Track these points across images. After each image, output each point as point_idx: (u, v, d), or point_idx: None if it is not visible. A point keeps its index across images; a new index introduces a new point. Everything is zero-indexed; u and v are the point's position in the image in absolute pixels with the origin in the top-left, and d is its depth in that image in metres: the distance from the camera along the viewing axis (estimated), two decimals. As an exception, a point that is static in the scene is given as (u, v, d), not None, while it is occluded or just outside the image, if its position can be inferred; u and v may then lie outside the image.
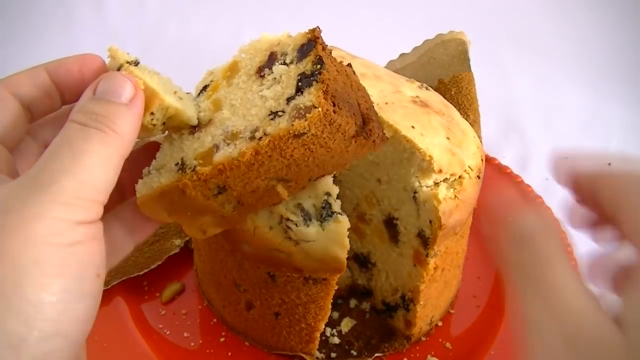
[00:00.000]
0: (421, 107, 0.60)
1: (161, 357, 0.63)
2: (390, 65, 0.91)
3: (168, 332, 0.67)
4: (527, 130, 1.00)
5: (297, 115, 0.40)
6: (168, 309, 0.69)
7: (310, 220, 0.50)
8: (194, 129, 0.45)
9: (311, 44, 0.43)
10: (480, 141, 0.71)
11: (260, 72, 0.45)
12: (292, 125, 0.39)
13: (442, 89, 0.86)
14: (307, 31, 0.44)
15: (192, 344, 0.66)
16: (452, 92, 0.86)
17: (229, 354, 0.66)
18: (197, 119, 0.46)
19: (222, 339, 0.67)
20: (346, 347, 0.67)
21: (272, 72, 0.44)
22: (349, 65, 0.47)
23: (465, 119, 0.65)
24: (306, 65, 0.42)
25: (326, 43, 0.45)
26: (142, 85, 0.40)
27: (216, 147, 0.42)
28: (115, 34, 1.14)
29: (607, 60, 1.12)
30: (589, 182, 0.41)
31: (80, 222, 0.34)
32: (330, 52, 0.44)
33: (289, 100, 0.41)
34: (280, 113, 0.41)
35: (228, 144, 0.42)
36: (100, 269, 0.35)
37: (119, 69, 0.42)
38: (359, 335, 0.68)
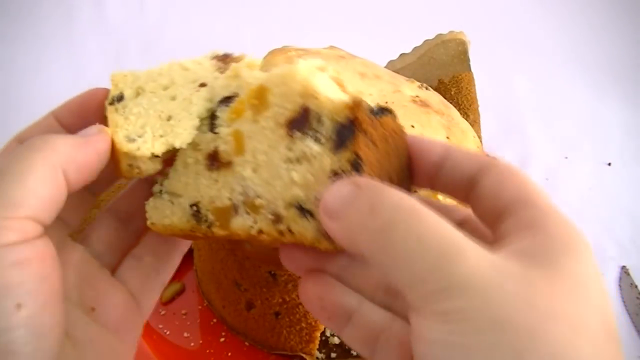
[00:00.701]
0: (421, 106, 0.60)
1: (161, 357, 0.63)
2: (390, 65, 0.91)
3: (168, 332, 0.67)
4: (527, 130, 1.00)
5: (325, 234, 0.35)
6: (168, 309, 0.70)
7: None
8: (212, 161, 0.40)
9: (350, 130, 0.36)
10: (480, 141, 0.71)
11: (290, 128, 0.38)
12: (319, 240, 0.36)
13: (442, 89, 0.86)
14: (347, 102, 0.37)
15: (192, 344, 0.66)
16: (452, 92, 0.86)
17: (229, 354, 0.66)
18: (216, 149, 0.41)
19: (222, 339, 0.67)
20: (346, 347, 0.67)
21: (303, 143, 0.38)
22: (393, 115, 0.40)
23: (465, 119, 0.65)
24: (341, 162, 0.36)
25: (370, 111, 0.37)
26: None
27: (235, 209, 0.39)
28: (115, 34, 1.14)
29: (607, 60, 1.12)
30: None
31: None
32: (374, 120, 0.37)
33: (318, 200, 0.36)
34: (308, 214, 0.37)
35: (248, 213, 0.39)
36: (21, 298, 0.31)
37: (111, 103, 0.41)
38: (359, 335, 0.68)
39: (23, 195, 0.33)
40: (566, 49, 1.15)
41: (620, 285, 0.78)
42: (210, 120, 0.41)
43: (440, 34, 0.91)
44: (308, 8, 1.20)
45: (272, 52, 0.65)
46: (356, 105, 0.36)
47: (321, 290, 0.38)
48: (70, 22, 1.15)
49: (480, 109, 0.87)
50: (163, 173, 0.42)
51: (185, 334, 0.67)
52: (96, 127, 0.38)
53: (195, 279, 0.72)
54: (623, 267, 0.80)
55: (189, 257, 0.73)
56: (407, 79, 0.66)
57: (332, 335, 0.68)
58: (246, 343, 0.67)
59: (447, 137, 0.58)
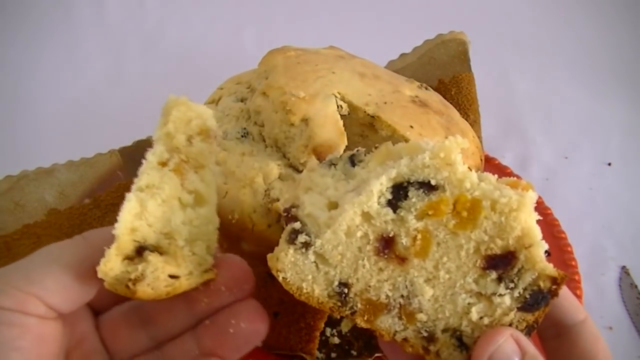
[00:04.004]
0: (420, 107, 0.60)
1: (161, 357, 0.63)
2: (391, 65, 0.91)
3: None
4: (527, 130, 0.99)
5: None
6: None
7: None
8: (385, 248, 0.36)
9: (545, 300, 0.36)
10: (480, 141, 0.71)
11: (487, 263, 0.36)
12: None
13: (442, 89, 0.86)
14: (556, 274, 0.36)
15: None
16: (452, 92, 0.86)
17: (229, 353, 0.65)
18: (393, 237, 0.35)
19: (221, 339, 0.67)
20: (346, 347, 0.67)
21: (495, 285, 0.36)
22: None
23: (465, 119, 0.65)
24: (520, 322, 0.36)
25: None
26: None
27: (387, 308, 0.37)
28: (115, 34, 1.14)
29: (607, 60, 1.12)
30: None
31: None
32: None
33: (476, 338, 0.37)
34: (464, 348, 0.37)
35: (400, 318, 0.37)
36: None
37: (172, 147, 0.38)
38: (359, 335, 0.68)
39: (40, 277, 0.35)
40: (566, 49, 1.15)
41: (620, 285, 0.78)
42: (395, 194, 0.35)
43: (441, 34, 0.91)
44: (308, 8, 1.19)
45: (272, 52, 0.65)
46: (562, 280, 0.36)
47: None
48: (70, 22, 1.15)
49: (480, 109, 0.87)
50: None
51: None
52: None
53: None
54: (623, 267, 0.80)
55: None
56: (406, 79, 0.66)
57: (332, 335, 0.67)
58: (246, 343, 0.67)
59: (446, 137, 0.58)
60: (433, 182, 0.34)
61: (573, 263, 0.73)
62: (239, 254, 0.57)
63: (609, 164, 0.95)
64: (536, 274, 0.36)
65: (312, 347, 0.64)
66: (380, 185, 0.34)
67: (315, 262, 0.36)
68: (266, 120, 0.59)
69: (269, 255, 0.36)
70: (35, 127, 0.96)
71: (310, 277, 0.36)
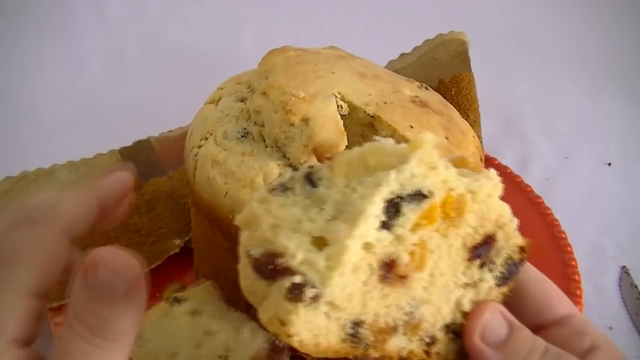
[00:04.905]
0: (420, 107, 0.60)
1: (161, 357, 0.63)
2: (390, 65, 0.91)
3: (168, 332, 0.67)
4: (527, 130, 0.99)
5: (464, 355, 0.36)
6: (168, 308, 0.69)
7: None
8: (387, 272, 0.32)
9: (517, 269, 0.37)
10: (480, 141, 0.71)
11: (472, 254, 0.35)
12: None
13: (442, 89, 0.86)
14: (524, 243, 0.37)
15: (192, 343, 0.66)
16: (452, 92, 0.86)
17: (229, 353, 0.65)
18: (394, 259, 0.32)
19: (222, 339, 0.67)
20: (346, 347, 0.67)
21: (480, 271, 0.36)
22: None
23: (465, 119, 0.65)
24: (498, 296, 0.37)
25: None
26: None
27: (395, 330, 0.34)
28: (115, 34, 1.14)
29: (607, 60, 1.12)
30: None
31: None
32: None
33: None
34: (457, 336, 0.37)
35: (405, 335, 0.35)
36: None
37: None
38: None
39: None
40: (566, 49, 1.15)
41: (620, 285, 0.78)
42: (389, 214, 0.31)
43: (441, 34, 0.91)
44: (308, 8, 1.19)
45: (272, 52, 0.65)
46: (529, 246, 0.37)
47: None
48: (70, 22, 1.15)
49: (480, 109, 0.87)
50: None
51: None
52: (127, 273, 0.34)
53: (195, 278, 0.72)
54: (623, 267, 0.80)
55: (189, 256, 0.73)
56: (406, 79, 0.66)
57: (332, 335, 0.67)
58: (246, 343, 0.66)
59: (446, 137, 0.58)
60: (425, 192, 0.32)
61: (573, 263, 0.73)
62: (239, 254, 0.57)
63: (609, 164, 0.95)
64: (511, 249, 0.36)
65: (312, 347, 0.63)
66: (376, 210, 0.30)
67: (325, 312, 0.31)
68: (266, 120, 0.59)
69: (267, 320, 0.31)
70: (35, 128, 0.96)
71: (324, 329, 0.31)
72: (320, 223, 0.31)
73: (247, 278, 0.32)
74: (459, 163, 0.34)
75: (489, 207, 0.34)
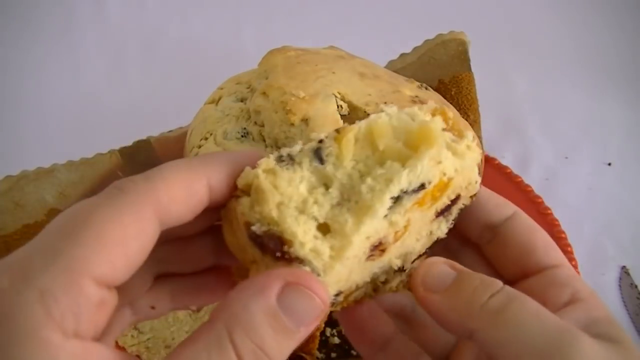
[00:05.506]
0: (421, 107, 0.60)
1: (161, 357, 0.63)
2: (390, 65, 0.91)
3: (168, 332, 0.67)
4: (527, 130, 0.99)
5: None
6: (168, 308, 0.69)
7: None
8: (373, 252, 0.34)
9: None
10: (480, 141, 0.71)
11: (438, 214, 0.37)
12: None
13: (442, 89, 0.86)
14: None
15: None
16: (452, 92, 0.86)
17: (229, 353, 0.65)
18: (381, 240, 0.34)
19: (221, 339, 0.67)
20: (346, 347, 0.67)
21: (439, 225, 0.38)
22: None
23: (465, 119, 0.65)
24: (448, 237, 0.39)
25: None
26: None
27: (359, 288, 0.37)
28: (115, 34, 1.14)
29: (607, 60, 1.12)
30: None
31: None
32: None
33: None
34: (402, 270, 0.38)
35: (364, 288, 0.37)
36: None
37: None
38: (358, 335, 0.68)
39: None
40: (566, 49, 1.15)
41: (620, 285, 0.78)
42: (392, 207, 0.32)
43: (441, 34, 0.91)
44: (308, 8, 1.19)
45: (272, 52, 0.65)
46: (477, 191, 0.38)
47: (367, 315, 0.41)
48: (70, 22, 1.15)
49: (480, 109, 0.86)
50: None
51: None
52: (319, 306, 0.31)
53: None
54: (623, 267, 0.80)
55: (188, 257, 0.73)
56: (406, 79, 0.66)
57: (332, 335, 0.68)
58: (246, 343, 0.66)
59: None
60: (427, 185, 0.33)
61: (573, 263, 0.73)
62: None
63: (609, 164, 0.95)
64: (464, 203, 0.38)
65: (313, 347, 0.64)
66: (384, 208, 0.32)
67: None
68: (266, 120, 0.59)
69: None
70: (34, 127, 0.96)
71: None
72: (326, 208, 0.32)
73: (237, 238, 0.33)
74: (442, 116, 0.35)
75: (465, 177, 0.36)
